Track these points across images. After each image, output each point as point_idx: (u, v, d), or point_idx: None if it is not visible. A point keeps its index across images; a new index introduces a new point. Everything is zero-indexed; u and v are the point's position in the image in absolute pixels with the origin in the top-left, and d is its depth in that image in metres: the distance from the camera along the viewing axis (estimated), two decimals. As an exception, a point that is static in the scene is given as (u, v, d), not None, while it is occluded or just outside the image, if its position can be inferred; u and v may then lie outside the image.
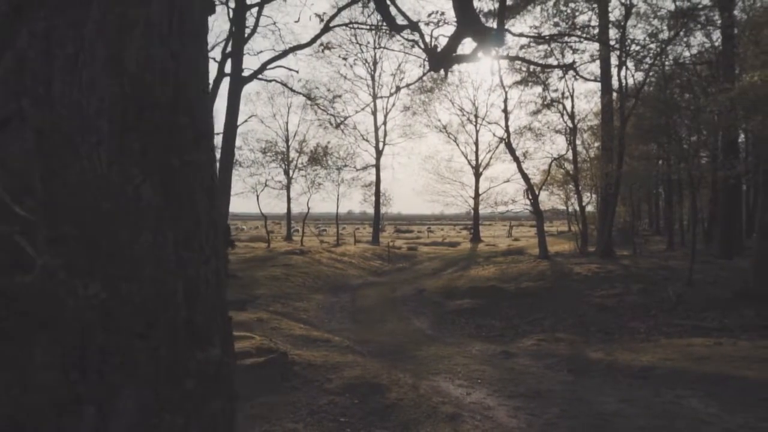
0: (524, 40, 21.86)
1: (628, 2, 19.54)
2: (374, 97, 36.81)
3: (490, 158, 39.65)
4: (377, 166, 38.82)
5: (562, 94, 25.30)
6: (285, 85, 25.15)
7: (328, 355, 7.91)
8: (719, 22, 19.53)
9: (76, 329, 0.74)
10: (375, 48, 35.47)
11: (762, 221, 13.36)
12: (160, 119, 0.88)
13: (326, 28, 18.70)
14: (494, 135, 34.51)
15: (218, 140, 21.27)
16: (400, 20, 5.19)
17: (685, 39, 21.79)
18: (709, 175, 20.95)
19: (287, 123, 39.96)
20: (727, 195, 20.02)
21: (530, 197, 23.05)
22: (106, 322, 0.77)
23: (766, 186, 13.08)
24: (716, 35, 22.01)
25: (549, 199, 30.78)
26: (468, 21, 3.57)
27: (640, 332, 10.98)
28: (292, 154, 37.17)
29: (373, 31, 28.27)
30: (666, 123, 19.44)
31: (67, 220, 0.74)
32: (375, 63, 37.79)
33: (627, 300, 12.95)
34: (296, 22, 23.41)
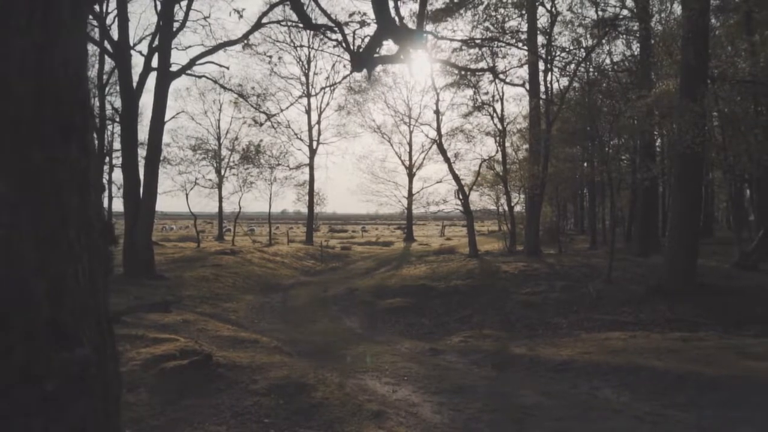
0: (456, 44, 22.27)
1: (553, 10, 20.26)
2: (308, 95, 36.51)
3: (423, 159, 40.36)
4: (311, 165, 38.54)
5: (492, 97, 25.97)
6: (216, 81, 24.51)
7: (255, 356, 7.81)
8: (638, 33, 20.61)
9: None
10: (309, 47, 35.22)
11: (672, 221, 14.15)
12: (18, 112, 0.85)
13: (258, 25, 18.40)
14: (427, 136, 34.96)
15: (144, 136, 20.58)
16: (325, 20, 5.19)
17: (607, 47, 22.86)
18: (629, 176, 22.03)
19: (219, 120, 39.03)
20: (645, 196, 21.09)
21: (461, 197, 23.54)
22: (-53, 322, 0.74)
23: (678, 188, 13.82)
24: (636, 45, 23.23)
25: (480, 199, 31.62)
26: (386, 23, 3.60)
27: (563, 328, 11.44)
28: (224, 152, 36.48)
29: (307, 30, 28.01)
30: (589, 127, 20.30)
31: None
32: (309, 62, 37.51)
33: (551, 297, 13.43)
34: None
